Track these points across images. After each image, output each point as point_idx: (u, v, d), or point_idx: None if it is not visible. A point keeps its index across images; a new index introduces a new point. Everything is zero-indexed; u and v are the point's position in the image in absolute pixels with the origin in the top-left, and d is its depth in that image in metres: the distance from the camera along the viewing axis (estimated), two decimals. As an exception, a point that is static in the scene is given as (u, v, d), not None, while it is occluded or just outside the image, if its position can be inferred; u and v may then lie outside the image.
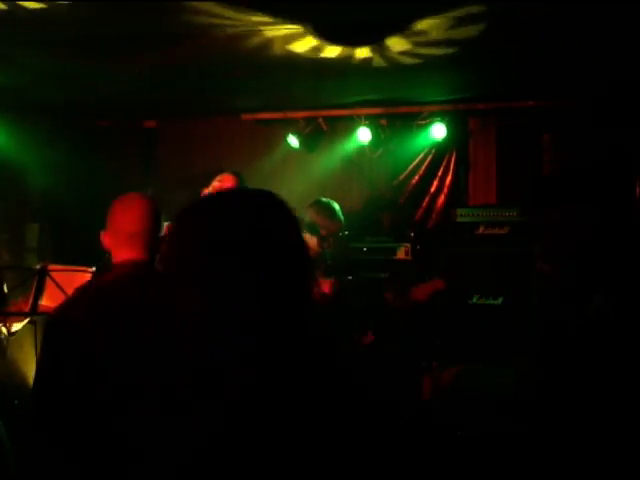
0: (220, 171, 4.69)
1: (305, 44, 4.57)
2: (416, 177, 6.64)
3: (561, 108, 6.07)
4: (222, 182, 4.53)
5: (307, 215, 4.86)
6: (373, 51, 4.72)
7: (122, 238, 2.37)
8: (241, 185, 4.61)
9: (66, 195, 6.60)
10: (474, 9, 3.92)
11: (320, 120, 6.57)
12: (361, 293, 5.09)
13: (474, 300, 5.36)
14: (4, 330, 4.79)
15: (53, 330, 2.23)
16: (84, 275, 3.98)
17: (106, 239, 2.43)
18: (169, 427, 1.65)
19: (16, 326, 4.83)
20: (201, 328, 1.48)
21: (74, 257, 5.12)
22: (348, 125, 6.57)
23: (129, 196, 2.48)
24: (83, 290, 2.48)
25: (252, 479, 1.43)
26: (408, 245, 6.00)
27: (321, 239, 4.86)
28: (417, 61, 4.91)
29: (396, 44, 4.57)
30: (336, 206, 4.96)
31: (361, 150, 6.61)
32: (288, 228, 1.56)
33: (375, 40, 4.48)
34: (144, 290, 2.26)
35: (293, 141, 6.59)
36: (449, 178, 6.55)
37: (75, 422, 2.15)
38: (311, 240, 4.85)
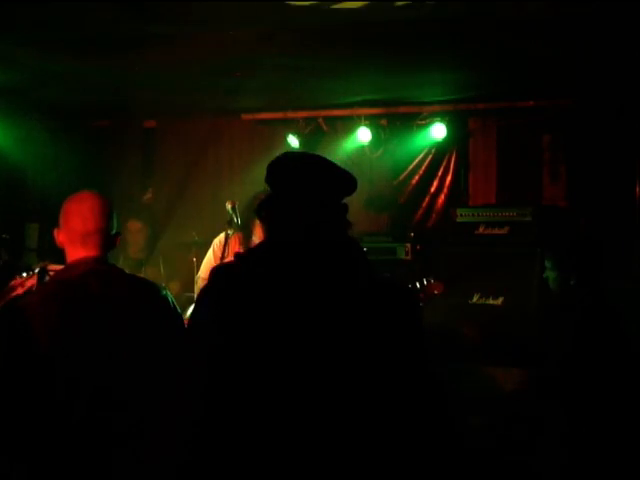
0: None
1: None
2: (416, 177, 6.64)
3: (561, 108, 6.07)
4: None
5: None
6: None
7: (76, 237, 2.38)
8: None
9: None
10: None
11: (320, 120, 6.58)
12: None
13: (474, 300, 5.36)
14: None
15: (7, 318, 2.28)
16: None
17: (60, 237, 2.43)
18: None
19: None
20: None
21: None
22: (348, 125, 6.57)
23: (82, 194, 2.47)
24: (43, 287, 2.55)
25: None
26: (408, 245, 6.00)
27: None
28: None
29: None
30: None
31: (361, 150, 6.61)
32: None
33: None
34: (100, 284, 2.33)
35: (293, 141, 6.58)
36: (449, 178, 6.55)
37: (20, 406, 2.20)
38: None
